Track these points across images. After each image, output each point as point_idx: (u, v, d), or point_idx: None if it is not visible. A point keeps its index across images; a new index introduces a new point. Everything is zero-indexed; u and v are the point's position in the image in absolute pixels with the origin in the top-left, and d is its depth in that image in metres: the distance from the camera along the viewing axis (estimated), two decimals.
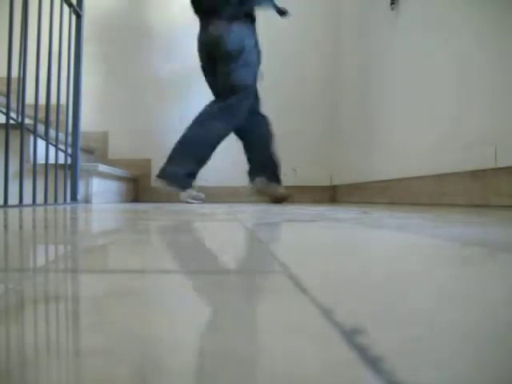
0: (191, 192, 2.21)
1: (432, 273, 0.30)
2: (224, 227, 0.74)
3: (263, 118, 2.29)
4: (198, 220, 0.92)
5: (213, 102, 2.21)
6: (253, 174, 2.25)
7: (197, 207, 1.67)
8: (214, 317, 0.20)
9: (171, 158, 2.14)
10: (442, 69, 1.62)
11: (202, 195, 2.28)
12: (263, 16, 2.42)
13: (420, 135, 1.78)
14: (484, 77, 1.38)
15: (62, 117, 1.93)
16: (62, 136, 1.95)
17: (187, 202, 2.17)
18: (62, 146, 1.90)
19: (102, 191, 2.15)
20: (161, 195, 2.83)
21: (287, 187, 2.85)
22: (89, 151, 2.67)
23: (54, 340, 0.17)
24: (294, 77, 2.86)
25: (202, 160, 2.14)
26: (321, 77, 2.88)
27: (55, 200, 1.76)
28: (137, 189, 2.83)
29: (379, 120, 2.21)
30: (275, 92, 2.84)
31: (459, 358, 0.15)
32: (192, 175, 2.17)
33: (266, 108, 2.79)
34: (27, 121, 1.66)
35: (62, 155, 1.88)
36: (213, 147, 2.14)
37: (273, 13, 2.26)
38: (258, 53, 2.23)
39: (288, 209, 1.45)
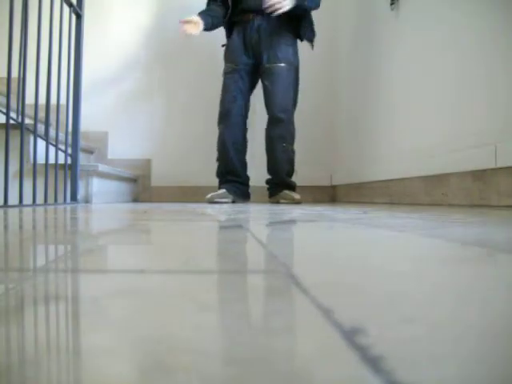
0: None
1: (432, 273, 0.30)
2: (223, 227, 0.74)
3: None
4: (199, 220, 0.92)
5: None
6: (277, 187, 2.29)
7: (196, 207, 1.67)
8: (213, 316, 0.20)
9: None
10: (442, 69, 1.62)
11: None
12: None
13: (420, 135, 1.78)
14: (484, 76, 1.38)
15: (62, 117, 1.93)
16: (61, 136, 1.95)
17: (217, 202, 2.17)
18: (62, 146, 1.90)
19: (101, 191, 2.15)
20: (160, 195, 2.83)
21: None
22: (89, 151, 2.67)
23: (54, 340, 0.17)
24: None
25: None
26: (320, 76, 2.88)
27: (55, 200, 1.76)
28: (137, 189, 2.83)
29: (379, 120, 2.21)
30: None
31: (459, 357, 0.15)
32: None
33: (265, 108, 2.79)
34: (27, 121, 1.66)
35: (62, 155, 1.88)
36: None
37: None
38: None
39: (288, 209, 1.45)
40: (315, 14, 2.89)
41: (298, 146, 2.84)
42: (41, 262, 0.39)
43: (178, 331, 0.18)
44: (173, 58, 2.85)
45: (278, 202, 2.24)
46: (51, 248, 0.48)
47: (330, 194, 2.88)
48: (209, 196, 2.18)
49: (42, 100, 1.71)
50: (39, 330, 0.18)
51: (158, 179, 2.84)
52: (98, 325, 0.19)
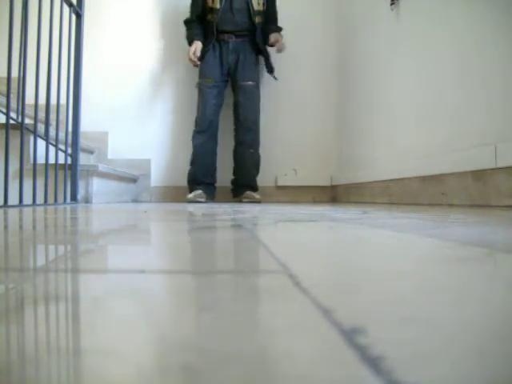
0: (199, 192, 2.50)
1: (432, 273, 0.30)
2: (223, 227, 0.74)
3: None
4: (199, 220, 0.92)
5: None
6: (242, 187, 2.59)
7: (196, 207, 1.67)
8: (213, 317, 0.20)
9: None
10: (442, 69, 1.62)
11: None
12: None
13: (420, 135, 1.78)
14: (484, 76, 1.38)
15: (62, 117, 1.93)
16: (62, 136, 1.95)
17: (197, 202, 2.43)
18: (62, 146, 1.90)
19: (101, 191, 2.15)
20: (160, 195, 2.83)
21: (287, 187, 2.86)
22: (89, 151, 2.67)
23: (54, 340, 0.17)
24: (294, 77, 2.86)
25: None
26: (321, 77, 2.88)
27: (55, 200, 1.76)
28: (137, 189, 2.83)
29: (379, 120, 2.21)
30: (275, 92, 2.84)
31: (459, 357, 0.15)
32: None
33: (266, 109, 2.80)
34: (27, 121, 1.66)
35: (62, 155, 1.88)
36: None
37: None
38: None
39: (288, 209, 1.45)
40: (316, 15, 2.89)
41: (298, 146, 2.85)
42: (41, 261, 0.39)
43: (177, 331, 0.18)
44: (173, 57, 2.85)
45: (241, 201, 2.51)
46: (51, 248, 0.48)
47: (330, 194, 2.88)
48: (191, 196, 2.45)
49: (42, 100, 1.71)
50: (39, 330, 0.18)
51: (157, 179, 2.84)
52: (98, 325, 0.19)
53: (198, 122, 2.54)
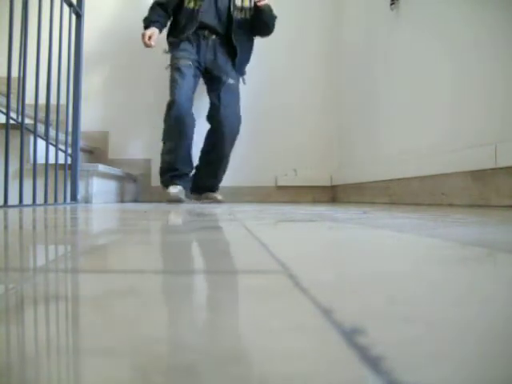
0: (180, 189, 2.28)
1: (432, 273, 0.30)
2: (223, 227, 0.74)
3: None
4: (198, 220, 0.92)
5: None
6: (204, 189, 2.45)
7: (192, 207, 1.67)
8: (213, 316, 0.20)
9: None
10: (442, 69, 1.62)
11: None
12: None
13: (420, 135, 1.78)
14: (484, 76, 1.38)
15: (62, 117, 1.92)
16: (62, 136, 1.95)
17: (178, 201, 2.25)
18: (62, 146, 1.90)
19: (102, 191, 2.15)
20: (160, 195, 2.83)
21: (287, 187, 2.85)
22: (89, 151, 2.66)
23: (54, 340, 0.17)
24: (294, 77, 2.85)
25: None
26: (321, 77, 2.88)
27: (55, 200, 1.76)
28: (137, 189, 2.83)
29: (379, 120, 2.21)
30: (276, 92, 2.84)
31: (459, 358, 0.15)
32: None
33: (266, 109, 2.79)
34: (27, 121, 1.66)
35: (62, 155, 1.88)
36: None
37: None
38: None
39: (288, 209, 1.45)
40: (315, 16, 2.89)
41: (298, 146, 2.85)
42: (41, 261, 0.39)
43: (177, 331, 0.18)
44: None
45: (202, 202, 2.37)
46: (51, 248, 0.48)
47: (330, 194, 2.88)
48: (173, 192, 2.22)
49: (42, 100, 1.71)
50: (39, 330, 0.18)
51: (157, 179, 2.84)
52: (98, 325, 0.19)
53: (175, 97, 2.27)
